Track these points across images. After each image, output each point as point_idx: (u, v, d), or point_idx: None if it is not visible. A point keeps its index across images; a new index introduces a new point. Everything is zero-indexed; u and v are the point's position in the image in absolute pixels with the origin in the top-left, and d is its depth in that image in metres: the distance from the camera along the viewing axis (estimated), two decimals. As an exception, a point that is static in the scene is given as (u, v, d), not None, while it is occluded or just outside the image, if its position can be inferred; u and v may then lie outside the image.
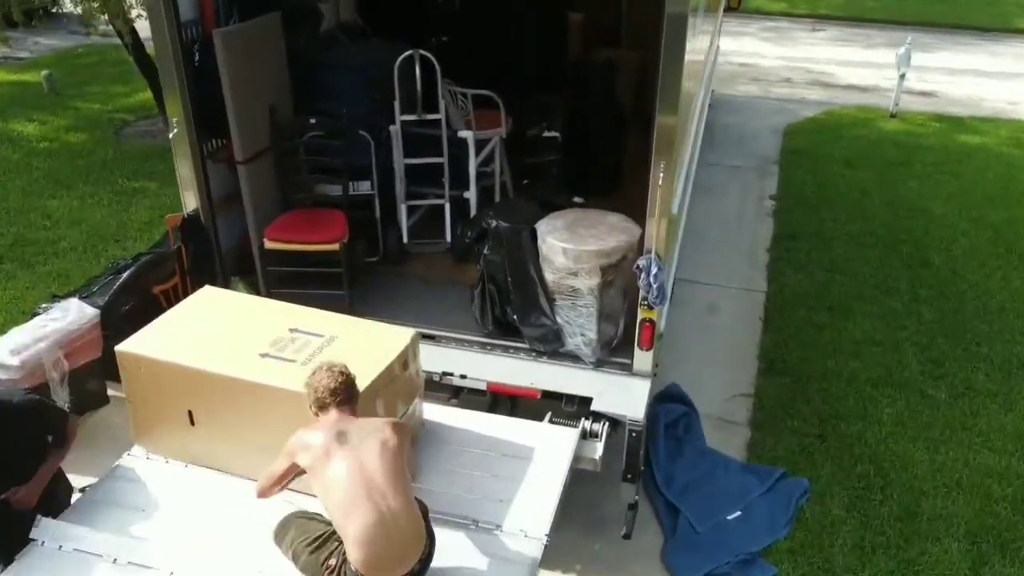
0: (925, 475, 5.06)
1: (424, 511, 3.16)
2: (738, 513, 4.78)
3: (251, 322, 3.69)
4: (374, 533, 2.86)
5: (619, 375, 4.21)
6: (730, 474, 5.07)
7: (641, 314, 4.00)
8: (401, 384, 3.56)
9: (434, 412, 3.97)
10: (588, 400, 4.03)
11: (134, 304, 5.89)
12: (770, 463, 5.12)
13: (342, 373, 3.11)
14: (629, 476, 3.96)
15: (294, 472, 3.11)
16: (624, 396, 4.03)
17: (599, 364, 4.25)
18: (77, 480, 5.01)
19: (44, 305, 5.77)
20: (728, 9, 11.40)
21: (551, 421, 4.07)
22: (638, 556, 4.54)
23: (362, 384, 3.22)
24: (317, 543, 3.04)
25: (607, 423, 4.02)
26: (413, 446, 3.48)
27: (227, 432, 3.51)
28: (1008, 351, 6.23)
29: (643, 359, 4.14)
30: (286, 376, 3.30)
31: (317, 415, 3.11)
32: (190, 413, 3.56)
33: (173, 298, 6.06)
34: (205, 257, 4.64)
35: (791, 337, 6.39)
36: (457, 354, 4.41)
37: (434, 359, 4.37)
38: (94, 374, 5.55)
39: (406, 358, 3.55)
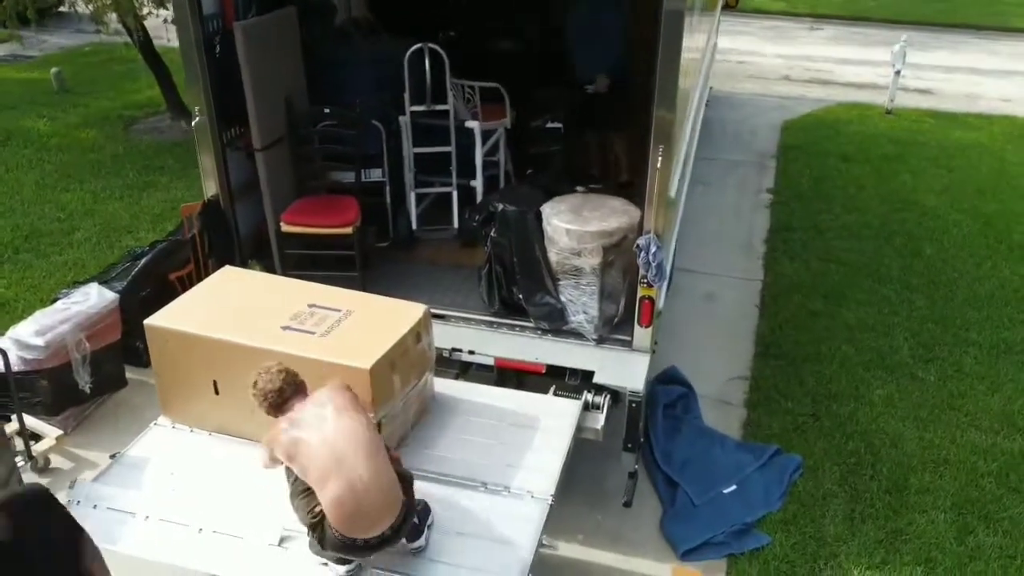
0: (914, 452, 5.25)
1: (407, 478, 3.31)
2: (734, 487, 4.97)
3: (271, 298, 3.87)
4: (345, 499, 3.05)
5: (620, 351, 4.41)
6: (726, 451, 5.26)
7: (641, 292, 4.20)
8: (415, 356, 3.75)
9: (445, 385, 4.17)
10: (590, 374, 4.22)
11: (151, 290, 6.10)
12: (765, 441, 5.31)
13: (280, 371, 3.23)
14: (629, 445, 4.15)
15: (278, 463, 3.28)
16: (624, 370, 4.23)
17: (601, 340, 4.45)
18: (101, 456, 5.25)
19: (65, 290, 5.98)
20: (726, 7, 11.61)
21: (555, 393, 4.26)
22: (638, 527, 4.74)
23: (377, 353, 3.42)
24: (308, 491, 3.21)
25: (608, 395, 4.21)
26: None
27: (250, 401, 3.70)
28: (996, 336, 6.43)
29: (643, 335, 4.34)
30: (307, 346, 3.49)
31: (275, 416, 3.25)
32: (215, 383, 3.74)
33: (188, 284, 6.24)
34: (224, 240, 4.83)
35: (786, 323, 6.59)
36: (466, 332, 4.61)
37: (444, 337, 4.56)
38: (113, 356, 5.75)
39: (419, 331, 3.74)
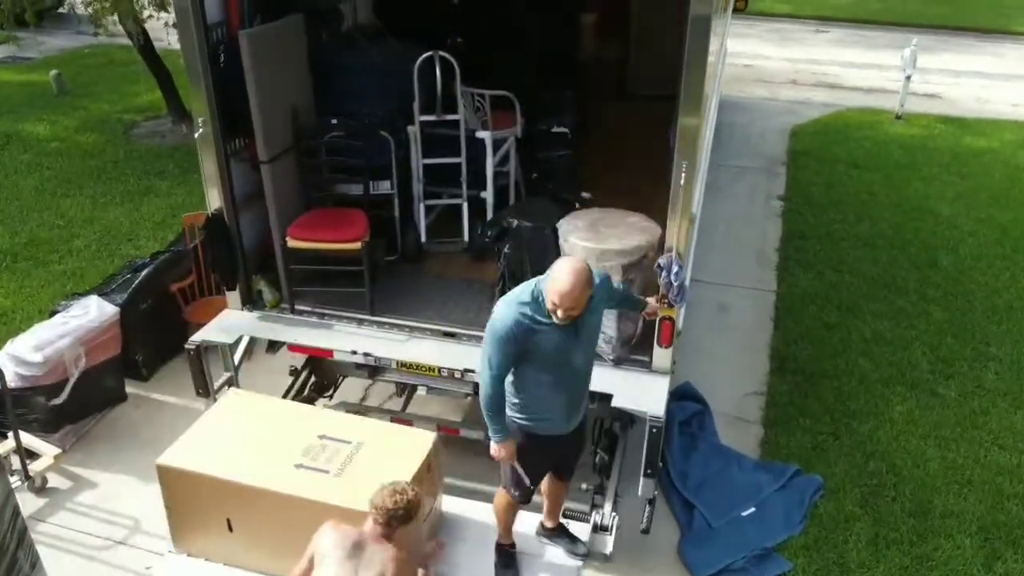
0: (937, 472, 5.12)
1: None
2: (752, 509, 4.84)
3: (282, 428, 3.78)
4: None
5: (639, 372, 4.27)
6: (744, 471, 5.13)
7: (660, 312, 4.06)
8: (427, 485, 3.66)
9: (450, 504, 4.06)
10: (608, 397, 4.08)
11: (152, 302, 5.99)
12: (783, 460, 5.18)
13: (403, 495, 3.11)
14: (649, 471, 4.01)
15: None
16: (644, 393, 4.09)
17: (619, 361, 4.31)
18: (99, 475, 5.11)
19: (64, 302, 5.85)
20: (734, 11, 11.47)
21: (563, 515, 4.22)
22: (655, 551, 4.61)
23: None
24: None
25: (616, 517, 4.24)
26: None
27: (265, 539, 3.60)
28: (1017, 350, 6.30)
29: (662, 356, 4.20)
30: (321, 488, 3.41)
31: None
32: (228, 521, 3.63)
33: (190, 296, 6.16)
34: (228, 255, 4.69)
35: (802, 336, 6.46)
36: (478, 351, 4.45)
37: (455, 356, 4.43)
38: (113, 371, 5.63)
39: (431, 461, 3.66)
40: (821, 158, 10.11)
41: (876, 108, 12.07)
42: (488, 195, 5.54)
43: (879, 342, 6.38)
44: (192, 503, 3.66)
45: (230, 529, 3.63)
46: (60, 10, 14.95)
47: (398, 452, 3.61)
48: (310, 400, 5.14)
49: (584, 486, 4.47)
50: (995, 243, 7.92)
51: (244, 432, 3.78)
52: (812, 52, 15.68)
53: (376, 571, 3.06)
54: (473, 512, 4.05)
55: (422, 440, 3.72)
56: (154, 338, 5.92)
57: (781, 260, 7.64)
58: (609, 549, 4.18)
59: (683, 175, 3.74)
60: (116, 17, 9.30)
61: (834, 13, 18.45)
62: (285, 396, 5.04)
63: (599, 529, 4.22)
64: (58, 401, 5.24)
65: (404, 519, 3.11)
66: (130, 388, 5.82)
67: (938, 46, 15.65)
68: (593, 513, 4.29)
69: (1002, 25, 17.52)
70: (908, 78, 11.30)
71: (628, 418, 4.41)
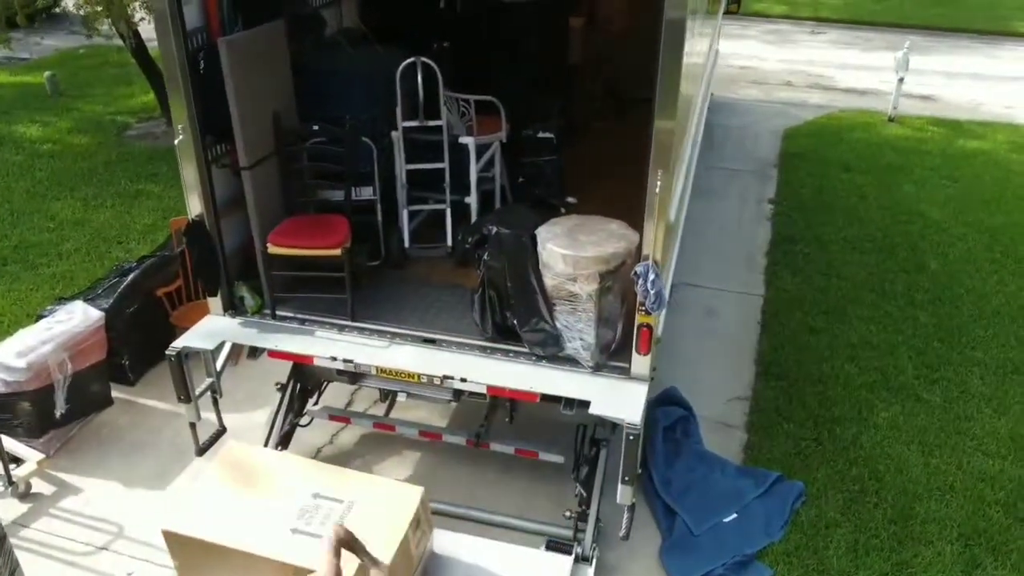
0: (919, 478, 5.12)
1: None
2: (734, 515, 4.85)
3: (278, 487, 3.88)
4: None
5: (617, 379, 4.26)
6: (727, 477, 5.14)
7: (639, 319, 4.05)
8: (416, 539, 3.77)
9: (442, 539, 4.10)
10: (586, 403, 4.08)
11: (138, 306, 6.00)
12: (766, 466, 5.19)
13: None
14: (627, 479, 4.01)
15: None
16: (622, 400, 4.09)
17: (597, 368, 4.31)
18: (84, 480, 5.12)
19: (49, 308, 5.86)
20: (728, 12, 11.46)
21: (547, 547, 4.32)
22: (636, 557, 4.62)
23: (388, 553, 3.49)
24: None
25: (597, 549, 4.33)
26: None
27: None
28: (1003, 355, 6.30)
29: (641, 363, 4.19)
30: (316, 555, 3.44)
31: None
32: None
33: (177, 300, 6.17)
34: (210, 262, 4.69)
35: (788, 341, 6.46)
36: (458, 358, 4.46)
37: (436, 363, 4.44)
38: (99, 376, 5.64)
39: (419, 518, 3.76)
40: (813, 161, 10.11)
41: (870, 110, 12.06)
42: (472, 201, 5.54)
43: (865, 347, 6.38)
44: (198, 562, 3.76)
45: None
46: (56, 10, 14.98)
47: (386, 511, 3.74)
48: (300, 411, 5.18)
49: (567, 513, 4.50)
50: (984, 247, 7.91)
51: (243, 492, 3.90)
52: (808, 54, 15.67)
53: None
54: (459, 546, 4.09)
55: (410, 498, 3.82)
56: (141, 343, 5.93)
57: (769, 264, 7.64)
58: None
59: (658, 183, 3.74)
60: (110, 20, 9.29)
61: (831, 14, 18.44)
62: (276, 414, 5.10)
63: (581, 560, 4.29)
64: (57, 410, 5.27)
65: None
66: (117, 393, 5.83)
67: (934, 47, 15.65)
68: (575, 545, 4.35)
69: (999, 26, 17.51)
70: (901, 80, 11.29)
71: (611, 427, 4.42)
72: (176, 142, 4.43)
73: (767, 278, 7.41)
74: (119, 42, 10.27)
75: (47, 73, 12.37)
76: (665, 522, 4.84)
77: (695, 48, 4.86)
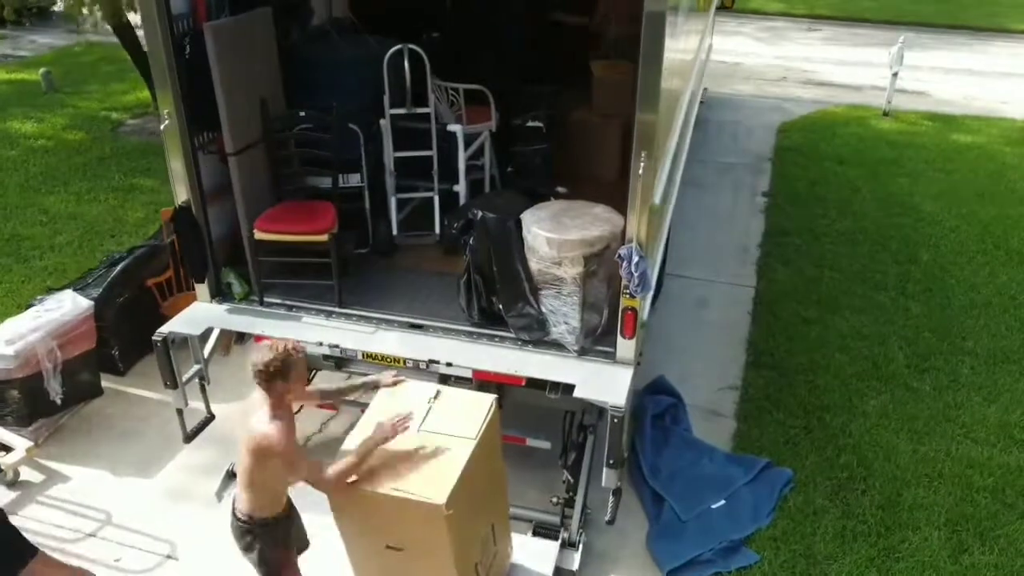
0: (907, 465, 5.12)
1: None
2: (722, 502, 4.84)
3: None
4: None
5: (602, 363, 4.26)
6: (715, 464, 5.13)
7: (624, 303, 4.05)
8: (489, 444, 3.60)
9: None
10: (571, 387, 4.08)
11: (128, 297, 5.99)
12: (756, 454, 5.18)
13: (275, 349, 3.16)
14: (612, 462, 4.01)
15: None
16: (607, 383, 4.08)
17: (583, 352, 4.31)
18: (73, 469, 5.12)
19: (40, 297, 5.85)
20: (722, 8, 11.47)
21: (534, 533, 4.34)
22: (624, 543, 4.61)
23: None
24: None
25: (583, 533, 4.35)
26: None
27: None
28: (993, 345, 6.30)
29: (626, 347, 4.19)
30: None
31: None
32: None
33: (167, 291, 6.17)
34: (196, 248, 4.69)
35: (779, 331, 6.45)
36: (444, 343, 4.46)
37: (422, 347, 4.44)
38: (88, 365, 5.63)
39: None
40: (807, 155, 10.11)
41: (864, 105, 12.06)
42: (461, 189, 5.54)
43: (856, 337, 6.38)
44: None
45: None
46: (55, 8, 14.98)
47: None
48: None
49: (554, 499, 4.50)
50: (976, 239, 7.91)
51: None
52: (803, 50, 15.67)
53: (258, 433, 3.15)
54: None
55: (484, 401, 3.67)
56: (131, 332, 5.92)
57: (762, 256, 7.64)
58: (576, 566, 4.26)
59: (642, 166, 3.74)
60: (99, 15, 9.29)
61: (826, 11, 18.45)
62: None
63: (567, 545, 4.30)
64: (48, 397, 5.26)
65: (282, 374, 3.14)
66: (106, 382, 5.83)
67: (930, 44, 15.66)
68: (562, 531, 4.36)
69: (992, 23, 17.53)
70: (895, 75, 11.30)
71: (598, 413, 4.41)
72: (162, 127, 4.44)
73: (759, 269, 7.40)
74: (115, 39, 10.27)
75: (42, 70, 12.37)
76: (653, 509, 4.83)
77: (680, 42, 4.85)
